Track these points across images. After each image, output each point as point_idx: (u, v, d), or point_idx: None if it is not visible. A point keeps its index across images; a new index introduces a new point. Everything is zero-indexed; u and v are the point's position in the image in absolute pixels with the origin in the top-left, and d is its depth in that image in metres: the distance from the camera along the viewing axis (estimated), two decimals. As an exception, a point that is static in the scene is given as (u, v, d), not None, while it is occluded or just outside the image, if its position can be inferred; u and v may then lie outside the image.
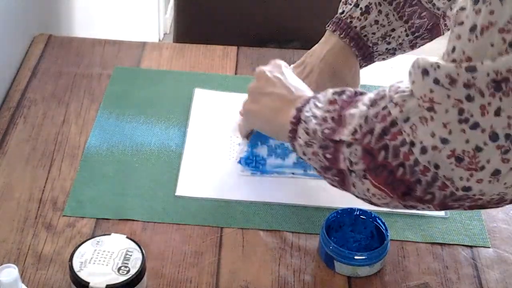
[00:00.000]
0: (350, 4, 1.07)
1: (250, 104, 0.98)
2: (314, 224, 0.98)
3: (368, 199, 0.82)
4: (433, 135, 0.70)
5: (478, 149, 0.68)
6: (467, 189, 0.71)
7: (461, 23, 0.67)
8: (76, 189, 1.01)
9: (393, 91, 0.75)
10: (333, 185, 0.86)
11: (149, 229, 0.97)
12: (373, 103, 0.78)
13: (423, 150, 0.72)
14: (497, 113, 0.66)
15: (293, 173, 1.06)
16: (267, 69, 0.98)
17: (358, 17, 1.06)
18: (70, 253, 0.85)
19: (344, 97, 0.84)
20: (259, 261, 0.93)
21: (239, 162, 1.07)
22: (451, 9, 1.06)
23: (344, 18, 1.08)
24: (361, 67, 1.11)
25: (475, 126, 0.67)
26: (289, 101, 0.91)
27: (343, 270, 0.92)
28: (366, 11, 1.06)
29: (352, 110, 0.80)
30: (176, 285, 0.90)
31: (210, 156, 1.08)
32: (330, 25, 1.09)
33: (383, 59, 1.12)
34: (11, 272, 0.72)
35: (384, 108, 0.76)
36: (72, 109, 1.15)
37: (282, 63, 1.00)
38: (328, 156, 0.82)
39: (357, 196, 0.83)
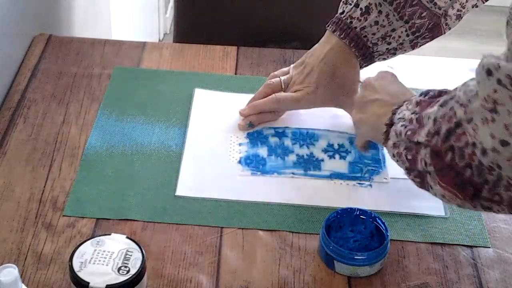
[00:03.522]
0: (350, 4, 1.07)
1: (356, 114, 1.00)
2: (314, 224, 0.98)
3: (444, 200, 0.82)
4: (493, 136, 0.69)
5: None
6: None
7: None
8: (76, 189, 1.01)
9: (462, 91, 0.75)
10: (418, 187, 0.86)
11: (149, 229, 0.97)
12: (443, 103, 0.78)
13: (484, 152, 0.71)
14: None
15: (293, 173, 1.06)
16: (373, 78, 1.00)
17: (358, 18, 1.06)
18: (70, 253, 0.85)
19: (427, 97, 0.84)
20: (259, 261, 0.93)
21: (239, 162, 1.07)
22: (452, 7, 1.06)
23: (344, 18, 1.08)
24: (361, 67, 1.11)
25: None
26: (390, 106, 0.91)
27: (343, 270, 0.92)
28: (366, 11, 1.06)
29: (429, 111, 0.80)
30: (176, 285, 0.90)
31: (210, 156, 1.08)
32: (330, 25, 1.10)
33: (384, 59, 1.12)
34: (11, 272, 0.72)
35: (451, 109, 0.75)
36: (72, 109, 1.15)
37: (389, 73, 1.00)
38: (409, 157, 0.82)
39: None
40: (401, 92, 0.95)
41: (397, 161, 0.87)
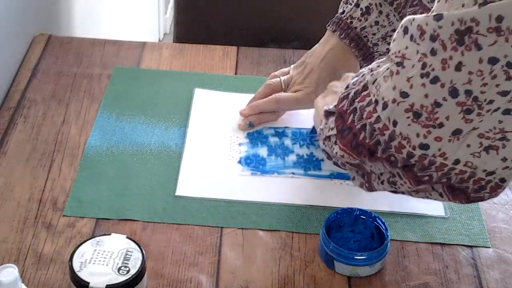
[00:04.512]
0: (351, 4, 1.07)
1: (319, 97, 1.01)
2: (314, 224, 0.98)
3: (341, 164, 0.86)
4: (394, 88, 0.72)
5: (437, 104, 0.69)
6: (424, 146, 0.72)
7: None
8: (76, 189, 1.01)
9: (375, 61, 0.79)
10: (328, 158, 0.91)
11: (149, 229, 0.97)
12: (359, 73, 0.81)
13: (384, 106, 0.73)
14: (458, 68, 0.66)
15: (293, 173, 1.06)
16: (352, 74, 1.02)
17: (358, 18, 1.06)
18: (70, 253, 0.85)
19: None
20: (259, 261, 0.93)
21: (239, 162, 1.07)
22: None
23: (344, 18, 1.08)
24: (361, 67, 1.11)
25: (435, 80, 0.68)
26: None
27: (343, 270, 0.92)
28: (367, 11, 1.06)
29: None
30: (176, 285, 0.90)
31: (210, 156, 1.08)
32: (331, 25, 1.10)
33: (384, 59, 1.12)
34: (11, 272, 0.72)
35: (362, 75, 0.79)
36: (72, 109, 1.15)
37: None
38: (321, 126, 0.87)
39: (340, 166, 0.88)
40: None
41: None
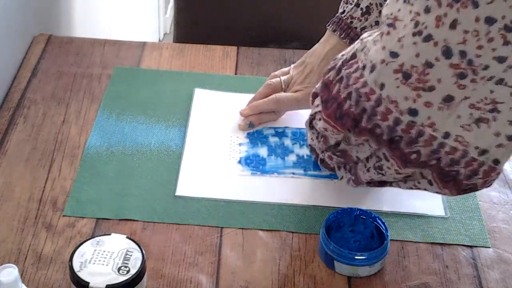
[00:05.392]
0: (351, 4, 1.07)
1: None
2: (314, 224, 0.98)
3: (324, 140, 0.85)
4: (383, 48, 0.69)
5: (428, 64, 0.66)
6: (412, 112, 0.69)
7: None
8: (76, 189, 1.01)
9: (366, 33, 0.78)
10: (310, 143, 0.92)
11: (149, 229, 0.97)
12: (351, 48, 0.79)
13: (372, 68, 0.71)
14: (453, 25, 0.64)
15: (293, 173, 1.06)
16: None
17: (358, 18, 1.06)
18: (70, 253, 0.85)
19: None
20: (259, 261, 0.94)
21: (239, 162, 1.07)
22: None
23: (344, 18, 1.08)
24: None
25: (428, 38, 0.65)
26: None
27: (343, 270, 0.92)
28: (367, 11, 1.06)
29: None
30: (176, 285, 0.90)
31: (210, 156, 1.08)
32: (331, 25, 1.10)
33: (383, 59, 1.12)
34: (11, 272, 0.72)
35: (353, 47, 0.78)
36: (72, 109, 1.15)
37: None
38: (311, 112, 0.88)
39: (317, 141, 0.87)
40: None
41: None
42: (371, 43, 0.72)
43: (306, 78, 1.11)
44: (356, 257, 0.90)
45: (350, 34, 1.07)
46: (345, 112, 0.75)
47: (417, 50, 0.66)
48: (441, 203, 1.02)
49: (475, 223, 1.00)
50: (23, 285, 0.74)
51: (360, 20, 1.06)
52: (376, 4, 1.05)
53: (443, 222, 1.00)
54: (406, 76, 0.67)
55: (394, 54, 0.68)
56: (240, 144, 1.10)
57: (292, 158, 1.08)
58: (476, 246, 0.97)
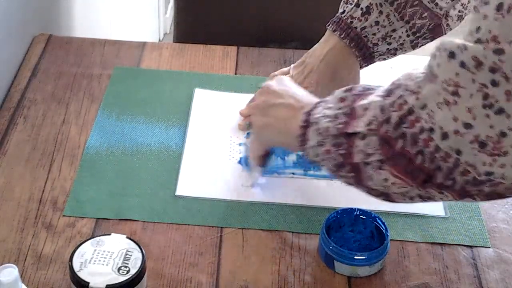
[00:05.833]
0: (351, 4, 1.07)
1: (258, 118, 0.96)
2: (314, 224, 0.98)
3: (386, 192, 0.81)
4: (455, 119, 0.69)
5: (502, 134, 0.67)
6: (489, 174, 0.70)
7: (487, 3, 0.66)
8: (76, 189, 1.01)
9: (408, 79, 0.75)
10: (348, 183, 0.85)
11: (149, 229, 0.97)
12: (388, 93, 0.77)
13: (444, 136, 0.71)
14: None
15: (293, 173, 1.06)
16: (272, 83, 0.98)
17: (358, 18, 1.06)
18: (70, 253, 0.85)
19: (354, 92, 0.83)
20: (259, 261, 0.93)
21: (239, 162, 1.07)
22: (454, 8, 1.06)
23: (344, 18, 1.08)
24: (361, 67, 1.11)
25: (500, 111, 0.66)
26: (298, 109, 0.90)
27: (343, 270, 0.92)
28: (367, 11, 1.06)
29: (364, 102, 0.80)
30: (176, 285, 0.90)
31: (210, 156, 1.08)
32: (331, 25, 1.09)
33: (384, 59, 1.12)
34: (11, 272, 0.72)
35: (400, 97, 0.75)
36: (72, 109, 1.15)
37: (286, 78, 0.99)
38: (341, 152, 0.81)
39: (372, 191, 0.82)
40: (304, 96, 0.93)
41: (322, 160, 0.85)
42: (434, 106, 0.71)
43: (306, 78, 1.11)
44: (356, 257, 0.90)
45: (350, 34, 1.07)
46: (416, 167, 0.75)
47: (490, 122, 0.68)
48: (441, 203, 1.02)
49: (475, 223, 1.00)
50: (23, 285, 0.75)
51: (360, 20, 1.06)
52: (376, 4, 1.05)
53: (443, 222, 1.00)
54: (482, 145, 0.69)
55: (467, 125, 0.69)
56: (240, 144, 1.10)
57: (292, 158, 1.08)
58: (476, 246, 0.97)
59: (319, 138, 0.84)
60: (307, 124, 0.86)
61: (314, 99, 0.91)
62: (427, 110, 0.72)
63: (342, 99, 0.83)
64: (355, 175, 0.82)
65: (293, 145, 0.89)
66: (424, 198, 0.79)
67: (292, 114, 0.90)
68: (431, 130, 0.72)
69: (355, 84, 1.10)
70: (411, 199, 0.80)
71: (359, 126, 0.79)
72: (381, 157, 0.77)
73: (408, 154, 0.74)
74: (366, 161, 0.79)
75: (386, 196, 0.82)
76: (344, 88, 0.85)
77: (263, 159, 1.01)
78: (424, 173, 0.74)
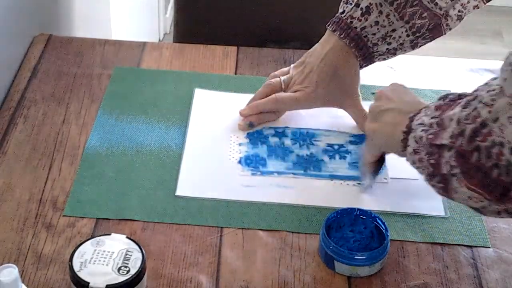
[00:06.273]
0: (351, 4, 1.07)
1: (371, 124, 0.98)
2: (314, 224, 0.98)
3: (468, 204, 0.81)
4: None
5: None
6: None
7: None
8: (76, 189, 1.01)
9: (484, 90, 0.75)
10: (439, 193, 0.85)
11: (149, 229, 0.97)
12: (466, 104, 0.77)
13: None
14: None
15: (293, 173, 1.06)
16: (385, 89, 0.99)
17: (358, 18, 1.06)
18: (70, 253, 0.85)
19: (446, 101, 0.83)
20: (259, 261, 0.93)
21: (239, 162, 1.07)
22: (453, 8, 1.06)
23: (344, 18, 1.08)
24: (361, 67, 1.11)
25: None
26: (405, 114, 0.90)
27: (343, 270, 0.92)
28: (367, 11, 1.06)
29: (450, 113, 0.79)
30: (176, 285, 0.90)
31: (210, 156, 1.08)
32: (331, 25, 1.10)
33: (384, 59, 1.12)
34: (11, 272, 0.72)
35: (475, 109, 0.75)
36: (72, 109, 1.15)
37: (401, 84, 1.00)
38: (432, 161, 0.81)
39: (462, 203, 0.83)
40: (415, 101, 0.94)
41: (417, 167, 0.86)
42: (506, 120, 0.71)
43: (306, 78, 1.11)
44: (356, 257, 0.90)
45: (350, 34, 1.07)
46: (493, 180, 0.74)
47: None
48: (441, 203, 1.02)
49: (475, 223, 1.00)
50: (23, 285, 0.75)
51: (360, 20, 1.06)
52: (376, 4, 1.05)
53: (443, 222, 1.00)
54: None
55: None
56: (240, 144, 1.10)
57: (292, 158, 1.08)
58: (476, 246, 0.97)
59: (415, 145, 0.85)
60: (408, 130, 0.87)
61: (421, 104, 0.91)
62: (498, 123, 0.71)
63: (437, 108, 0.84)
64: (443, 186, 0.82)
65: (398, 150, 0.90)
66: (502, 213, 0.78)
67: (400, 119, 0.91)
68: (502, 144, 0.71)
69: (354, 84, 1.11)
70: (498, 214, 0.79)
71: (444, 138, 0.79)
72: (459, 170, 0.77)
73: (483, 167, 0.74)
74: (452, 172, 0.79)
75: (476, 210, 0.82)
76: (442, 95, 0.85)
77: (375, 165, 1.02)
78: (501, 186, 0.74)
